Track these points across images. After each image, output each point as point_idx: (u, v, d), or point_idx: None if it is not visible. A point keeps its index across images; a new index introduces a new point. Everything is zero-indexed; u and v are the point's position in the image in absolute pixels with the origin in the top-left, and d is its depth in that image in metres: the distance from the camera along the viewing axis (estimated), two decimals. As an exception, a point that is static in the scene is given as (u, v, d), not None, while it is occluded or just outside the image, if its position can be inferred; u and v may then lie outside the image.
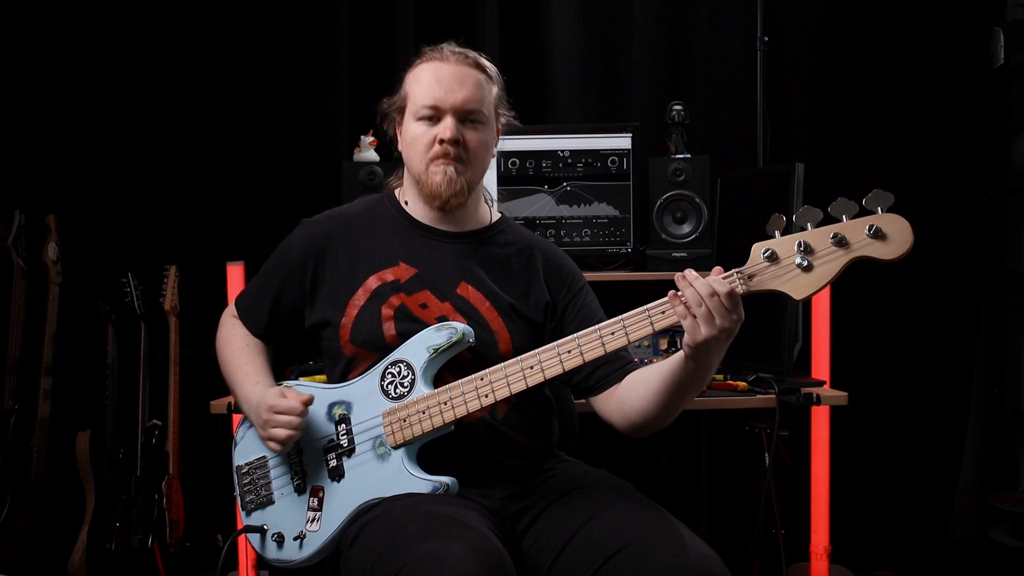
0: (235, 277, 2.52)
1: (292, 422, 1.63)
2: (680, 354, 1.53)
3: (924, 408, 3.13)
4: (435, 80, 1.72)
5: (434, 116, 1.71)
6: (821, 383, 2.41)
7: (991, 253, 3.20)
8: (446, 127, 1.70)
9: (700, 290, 1.43)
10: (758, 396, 2.29)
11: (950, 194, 3.10)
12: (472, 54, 1.78)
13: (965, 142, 3.10)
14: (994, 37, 3.05)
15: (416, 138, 1.73)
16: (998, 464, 3.27)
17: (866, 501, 3.12)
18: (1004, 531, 3.03)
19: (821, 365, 2.51)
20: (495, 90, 1.79)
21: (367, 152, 2.75)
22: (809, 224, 1.42)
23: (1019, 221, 3.26)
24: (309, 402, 1.65)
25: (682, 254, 2.66)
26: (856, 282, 2.53)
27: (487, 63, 1.80)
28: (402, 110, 1.78)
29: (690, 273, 1.45)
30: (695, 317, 1.43)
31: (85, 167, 3.04)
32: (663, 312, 1.49)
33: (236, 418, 2.15)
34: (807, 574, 2.53)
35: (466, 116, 1.72)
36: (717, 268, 1.46)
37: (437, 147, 1.70)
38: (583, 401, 1.81)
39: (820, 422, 2.50)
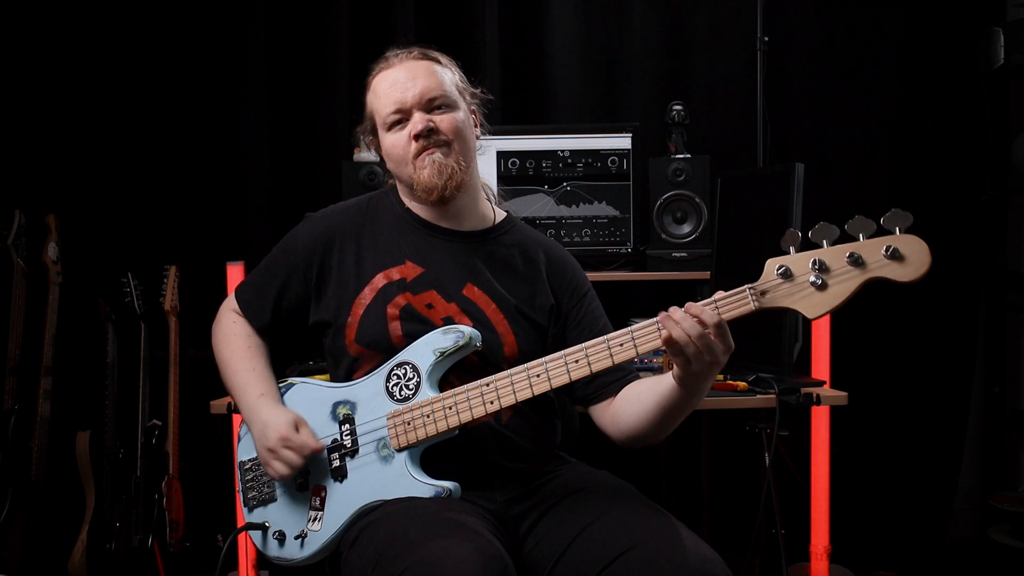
0: (235, 277, 2.52)
1: (296, 462, 1.62)
2: (671, 379, 1.52)
3: (924, 408, 3.12)
4: (390, 85, 1.71)
5: (402, 119, 1.70)
6: (821, 383, 2.41)
7: (991, 253, 3.20)
8: (415, 122, 1.69)
9: (689, 331, 1.40)
10: (758, 396, 2.28)
11: (950, 194, 3.10)
12: (416, 49, 1.76)
13: (965, 142, 3.10)
14: (994, 37, 3.05)
15: (393, 145, 1.72)
16: (998, 464, 3.27)
17: (866, 501, 3.12)
18: (1004, 531, 3.03)
19: (821, 365, 2.51)
20: (454, 73, 1.77)
21: (367, 152, 2.74)
22: (825, 241, 1.38)
23: (1019, 221, 3.26)
24: (319, 451, 1.65)
25: (682, 254, 2.66)
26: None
27: (436, 52, 1.78)
28: (374, 130, 1.77)
29: (676, 312, 1.42)
30: (685, 355, 1.42)
31: (85, 167, 3.04)
32: None
33: (236, 418, 2.15)
34: (807, 574, 2.53)
35: (431, 105, 1.70)
36: (719, 292, 1.44)
37: (415, 144, 1.69)
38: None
39: (820, 422, 2.50)
